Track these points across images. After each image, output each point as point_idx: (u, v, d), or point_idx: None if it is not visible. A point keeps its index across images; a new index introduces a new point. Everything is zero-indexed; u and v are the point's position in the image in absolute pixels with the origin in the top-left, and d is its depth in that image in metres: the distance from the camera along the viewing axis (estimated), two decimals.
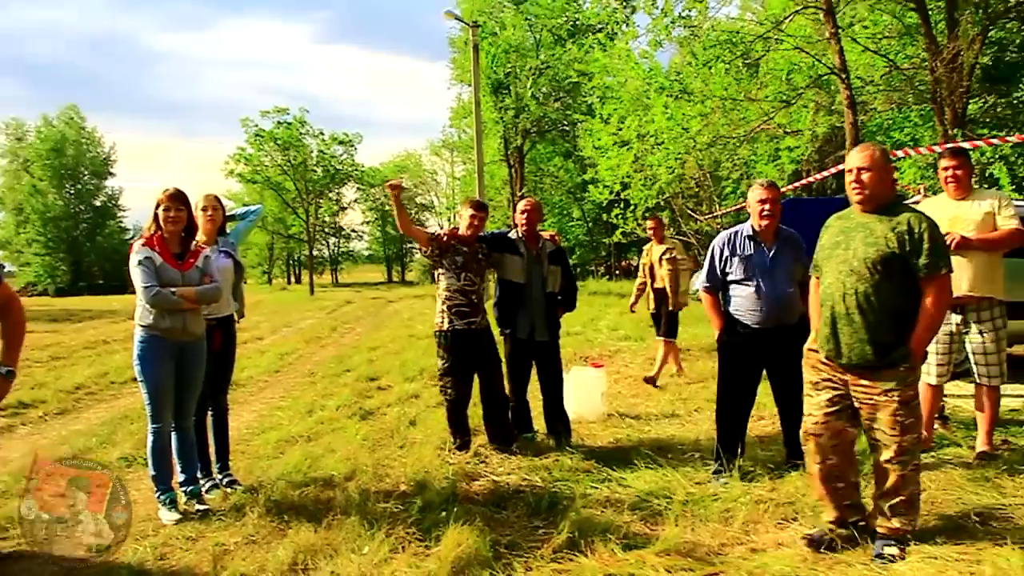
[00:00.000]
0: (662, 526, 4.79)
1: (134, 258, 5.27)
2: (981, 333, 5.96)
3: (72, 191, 67.72)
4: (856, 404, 4.27)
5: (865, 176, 4.23)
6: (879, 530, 4.27)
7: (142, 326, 5.28)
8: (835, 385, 4.33)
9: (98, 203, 69.51)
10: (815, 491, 4.56)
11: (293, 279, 77.75)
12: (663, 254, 9.85)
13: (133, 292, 5.26)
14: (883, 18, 13.32)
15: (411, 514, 4.98)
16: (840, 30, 9.42)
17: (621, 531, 4.62)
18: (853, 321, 4.16)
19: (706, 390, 8.96)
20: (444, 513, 4.89)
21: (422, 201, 72.56)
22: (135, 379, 10.89)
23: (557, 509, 5.12)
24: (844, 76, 9.09)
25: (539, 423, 7.08)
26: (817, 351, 4.42)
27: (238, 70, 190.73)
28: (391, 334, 16.93)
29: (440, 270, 6.69)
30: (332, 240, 72.35)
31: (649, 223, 10.27)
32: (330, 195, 58.68)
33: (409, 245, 74.88)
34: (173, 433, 5.41)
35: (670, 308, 9.84)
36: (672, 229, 30.41)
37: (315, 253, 61.33)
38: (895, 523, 4.22)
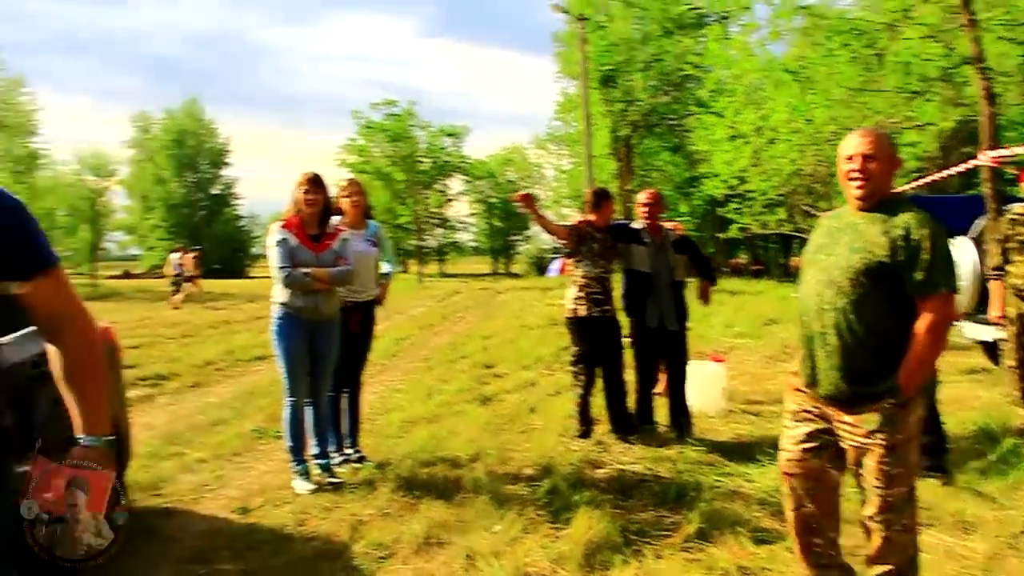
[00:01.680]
0: None
1: (271, 239, 5.48)
2: None
3: (192, 180, 70.22)
4: (842, 444, 3.46)
5: (872, 165, 3.41)
6: None
7: (279, 303, 5.47)
8: (814, 417, 3.54)
9: (215, 191, 71.98)
10: (793, 544, 3.70)
11: (401, 268, 78.92)
12: None
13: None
14: (1020, 3, 12.73)
15: (539, 497, 5.05)
16: (975, 17, 9.04)
17: (750, 525, 4.57)
18: (828, 343, 3.40)
19: None
20: (575, 497, 4.94)
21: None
22: (258, 358, 11.44)
23: (684, 500, 5.08)
24: (981, 66, 8.73)
25: (658, 415, 7.07)
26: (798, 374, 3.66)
27: (343, 64, 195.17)
28: (503, 323, 17.06)
29: (577, 258, 6.77)
30: (439, 231, 73.18)
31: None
32: (437, 186, 59.48)
33: (514, 238, 75.19)
34: (307, 408, 5.60)
35: None
36: (791, 225, 29.77)
37: (422, 243, 62.19)
38: None
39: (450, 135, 54.83)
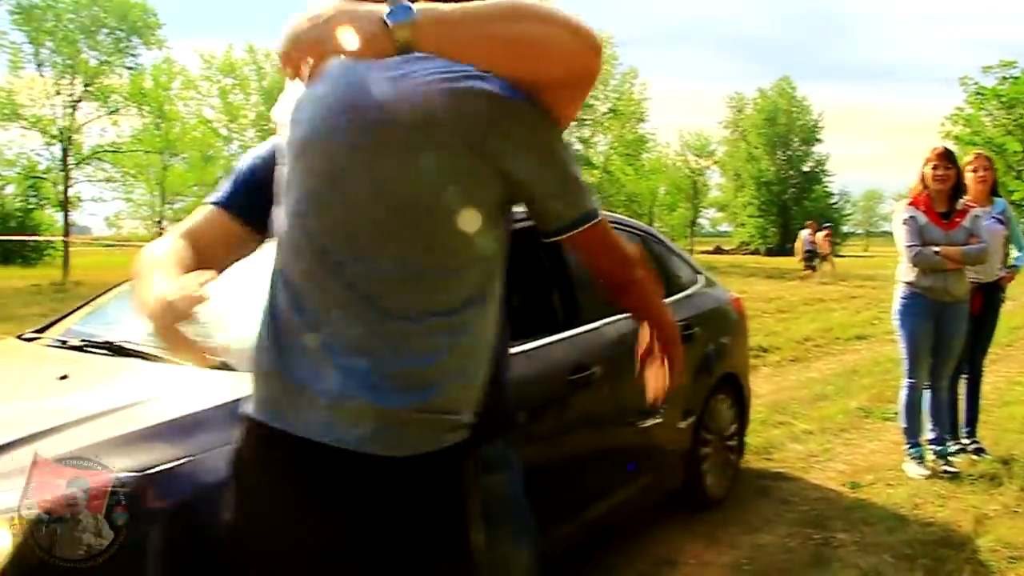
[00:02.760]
0: None
1: (898, 217, 5.42)
2: None
3: (783, 157, 70.74)
4: None
5: None
6: None
7: (904, 283, 5.40)
8: None
9: (806, 168, 71.69)
10: None
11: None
12: None
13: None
14: None
15: None
16: None
17: None
18: None
19: None
20: None
21: None
22: (857, 337, 11.37)
23: None
24: None
25: None
26: None
27: (946, 25, 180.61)
28: None
29: None
30: None
31: None
32: None
33: None
34: (925, 392, 5.45)
35: None
36: None
37: None
38: None
39: None
